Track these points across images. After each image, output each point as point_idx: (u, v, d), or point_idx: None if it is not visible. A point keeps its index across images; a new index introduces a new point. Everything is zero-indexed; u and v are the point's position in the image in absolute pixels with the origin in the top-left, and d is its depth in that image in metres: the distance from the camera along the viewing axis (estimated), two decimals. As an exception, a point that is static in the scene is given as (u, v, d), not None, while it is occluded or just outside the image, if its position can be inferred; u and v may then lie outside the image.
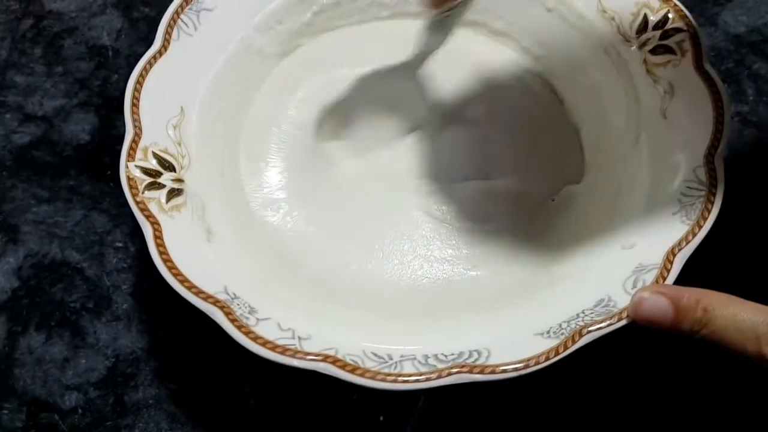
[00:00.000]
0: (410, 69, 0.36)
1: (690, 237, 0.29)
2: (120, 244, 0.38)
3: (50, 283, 0.37)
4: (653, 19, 0.35)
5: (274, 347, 0.28)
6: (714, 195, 0.30)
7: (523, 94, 0.39)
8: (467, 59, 0.40)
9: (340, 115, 0.38)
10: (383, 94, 0.37)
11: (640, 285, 0.29)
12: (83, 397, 0.35)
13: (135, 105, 0.33)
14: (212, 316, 0.28)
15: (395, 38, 0.36)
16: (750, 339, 0.25)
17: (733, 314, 0.25)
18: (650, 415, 0.34)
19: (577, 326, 0.28)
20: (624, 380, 0.34)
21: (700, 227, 0.29)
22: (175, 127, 0.34)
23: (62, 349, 0.36)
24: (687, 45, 0.34)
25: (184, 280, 0.29)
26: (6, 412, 0.34)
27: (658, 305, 0.27)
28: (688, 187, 0.31)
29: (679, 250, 0.29)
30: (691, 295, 0.26)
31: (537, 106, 0.39)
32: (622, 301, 0.28)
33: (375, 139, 0.38)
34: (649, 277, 0.29)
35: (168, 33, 0.35)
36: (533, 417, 0.34)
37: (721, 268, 0.35)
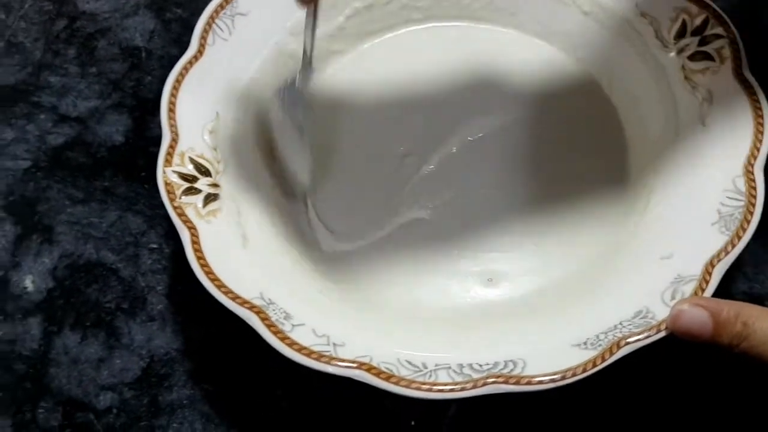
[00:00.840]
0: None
1: (729, 248, 0.29)
2: (155, 246, 0.38)
3: (85, 284, 0.38)
4: (692, 24, 0.35)
5: (309, 353, 0.28)
6: (754, 206, 0.30)
7: (570, 96, 0.39)
8: (509, 60, 0.39)
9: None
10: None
11: (678, 296, 0.28)
12: (118, 397, 0.35)
13: (171, 110, 0.33)
14: (249, 322, 0.29)
15: (432, 45, 0.36)
16: None
17: None
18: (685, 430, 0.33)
19: (615, 338, 0.28)
20: (659, 395, 0.33)
21: (740, 238, 0.29)
22: (210, 132, 0.34)
23: (97, 349, 0.36)
24: (726, 52, 0.33)
25: (221, 286, 0.29)
26: (42, 411, 0.35)
27: (698, 318, 0.26)
28: (727, 197, 0.30)
29: (718, 261, 0.29)
30: (731, 308, 0.26)
31: (585, 107, 0.39)
32: (661, 312, 0.28)
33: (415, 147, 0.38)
34: (688, 289, 0.28)
35: (203, 38, 0.35)
36: (564, 429, 0.33)
37: (760, 281, 0.35)
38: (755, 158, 0.31)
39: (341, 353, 0.28)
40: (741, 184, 0.30)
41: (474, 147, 0.38)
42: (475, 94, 0.38)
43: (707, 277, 0.28)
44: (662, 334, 0.27)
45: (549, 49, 0.40)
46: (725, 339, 0.26)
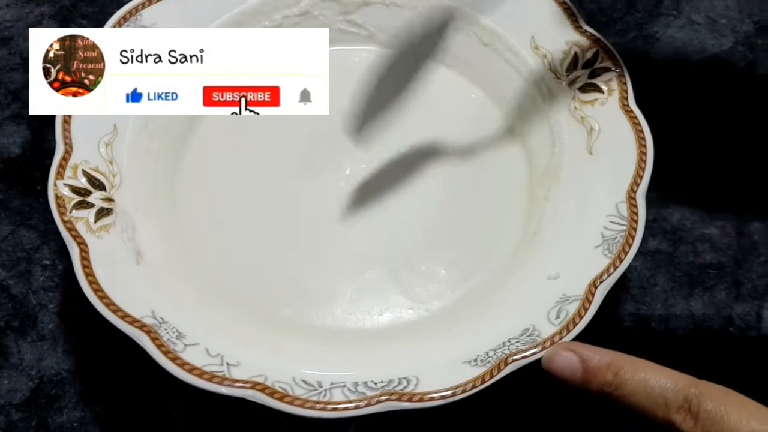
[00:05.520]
0: None
1: (611, 270, 0.30)
2: (47, 262, 0.37)
3: (-27, 301, 0.36)
4: (583, 57, 0.37)
5: (201, 374, 0.27)
6: (635, 230, 0.31)
7: (472, 123, 0.40)
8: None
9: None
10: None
11: (563, 315, 0.29)
12: (5, 419, 0.34)
13: (67, 122, 0.32)
14: (138, 341, 0.28)
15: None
16: (659, 405, 0.25)
17: (643, 379, 0.25)
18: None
19: (503, 355, 0.28)
20: (551, 408, 0.34)
21: (621, 261, 0.30)
22: (107, 145, 0.33)
23: (-17, 369, 0.35)
24: (614, 84, 0.35)
25: (110, 304, 0.28)
26: None
27: (569, 362, 0.27)
28: (611, 222, 0.32)
29: (601, 282, 0.30)
30: (603, 356, 0.27)
31: (487, 135, 0.40)
32: (546, 330, 0.29)
33: (318, 165, 0.39)
34: (572, 308, 0.30)
35: (104, 50, 0.34)
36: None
37: (646, 302, 0.37)
38: (638, 185, 0.32)
39: (235, 373, 0.28)
40: (624, 209, 0.32)
41: (381, 174, 0.39)
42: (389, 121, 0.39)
43: (590, 297, 0.30)
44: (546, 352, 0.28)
45: (449, 74, 0.41)
46: (595, 386, 0.26)
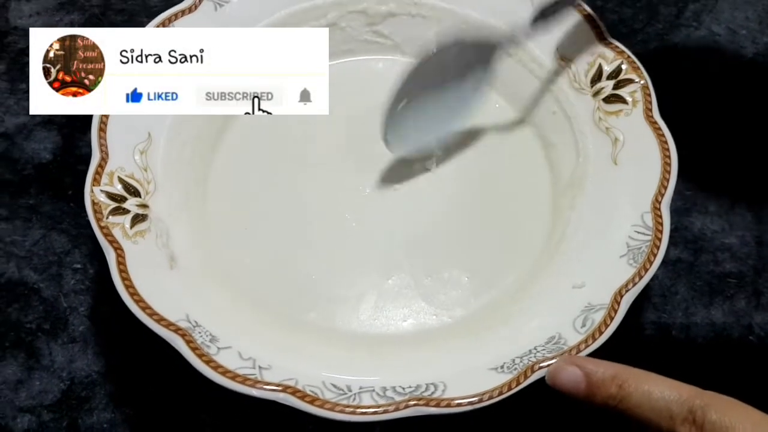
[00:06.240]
0: None
1: (636, 279, 0.31)
2: (78, 266, 0.38)
3: (6, 303, 0.37)
4: (607, 69, 0.37)
5: (234, 376, 0.28)
6: (660, 240, 0.32)
7: (498, 134, 0.41)
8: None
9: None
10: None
11: (589, 324, 0.30)
12: (36, 420, 0.34)
13: (102, 129, 0.33)
14: (173, 344, 0.29)
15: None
16: (664, 418, 0.25)
17: (648, 392, 0.25)
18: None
19: (530, 362, 0.29)
20: (574, 417, 0.34)
21: (646, 270, 0.31)
22: (141, 153, 0.34)
23: (16, 370, 0.35)
24: (639, 96, 0.36)
25: (146, 307, 0.29)
26: (-46, 433, 0.34)
27: (573, 376, 0.27)
28: (636, 231, 0.32)
29: (626, 291, 0.30)
30: (607, 369, 0.26)
31: (512, 145, 0.41)
32: (572, 338, 0.30)
33: (344, 172, 0.39)
34: (598, 317, 0.30)
35: (138, 59, 0.35)
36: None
37: (667, 311, 0.38)
38: (662, 196, 0.33)
39: (267, 376, 0.29)
40: (648, 219, 0.32)
41: (406, 181, 0.39)
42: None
43: (616, 306, 0.30)
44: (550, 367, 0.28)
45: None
46: (598, 399, 0.26)
